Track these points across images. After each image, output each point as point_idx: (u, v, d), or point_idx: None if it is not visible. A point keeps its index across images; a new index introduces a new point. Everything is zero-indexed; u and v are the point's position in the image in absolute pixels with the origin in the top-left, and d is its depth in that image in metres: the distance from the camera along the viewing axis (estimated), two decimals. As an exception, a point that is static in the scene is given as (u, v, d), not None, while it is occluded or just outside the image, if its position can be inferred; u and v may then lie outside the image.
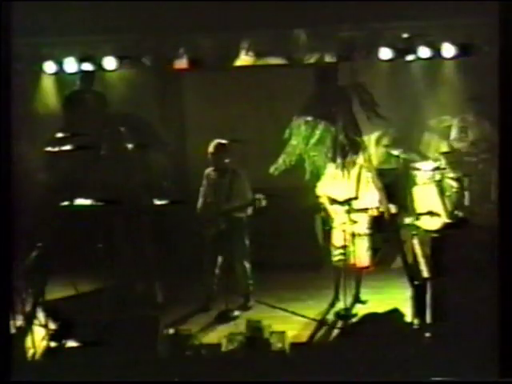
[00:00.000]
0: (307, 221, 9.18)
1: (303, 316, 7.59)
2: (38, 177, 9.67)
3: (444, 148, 9.62)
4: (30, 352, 6.53)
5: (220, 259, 8.12)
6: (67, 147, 7.73)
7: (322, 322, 7.47)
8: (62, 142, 7.84)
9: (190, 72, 9.66)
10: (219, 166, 8.06)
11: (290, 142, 8.80)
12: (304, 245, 9.14)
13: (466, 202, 9.03)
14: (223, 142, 8.06)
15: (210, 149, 8.05)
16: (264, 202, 7.75)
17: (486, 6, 7.12)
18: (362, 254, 7.83)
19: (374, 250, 8.20)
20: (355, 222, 7.66)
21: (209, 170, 8.19)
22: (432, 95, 9.74)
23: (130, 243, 8.46)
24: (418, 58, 9.19)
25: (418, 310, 6.86)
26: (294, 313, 7.68)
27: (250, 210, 8.02)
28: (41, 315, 6.99)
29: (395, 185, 9.02)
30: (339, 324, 7.18)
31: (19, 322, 6.68)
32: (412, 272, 7.34)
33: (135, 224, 8.41)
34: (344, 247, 7.73)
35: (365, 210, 7.77)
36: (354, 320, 7.19)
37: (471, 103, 9.54)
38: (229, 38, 9.26)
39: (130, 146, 8.33)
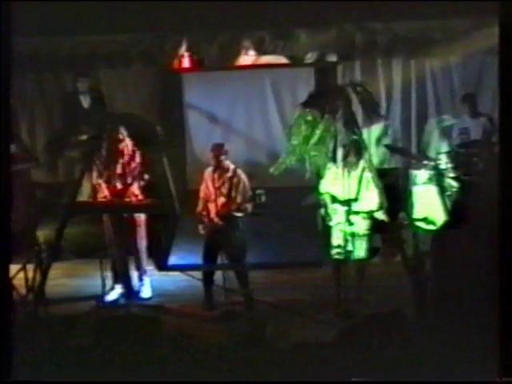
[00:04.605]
0: (307, 219, 9.18)
1: (303, 315, 7.59)
2: (38, 177, 9.68)
3: (444, 148, 9.62)
4: (30, 351, 6.53)
5: (220, 259, 8.14)
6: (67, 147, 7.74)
7: (322, 322, 7.47)
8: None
9: (191, 72, 9.66)
10: (219, 165, 8.12)
11: (290, 142, 8.78)
12: (304, 244, 9.13)
13: (466, 201, 9.02)
14: (222, 142, 8.14)
15: (210, 149, 8.13)
16: (264, 198, 7.78)
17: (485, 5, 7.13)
18: (361, 254, 7.83)
19: (374, 249, 8.20)
20: (355, 221, 7.67)
21: (209, 170, 8.23)
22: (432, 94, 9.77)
23: (131, 243, 8.46)
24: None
25: (419, 309, 6.86)
26: (294, 312, 7.68)
27: (250, 207, 8.07)
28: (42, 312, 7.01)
29: (395, 185, 9.02)
30: (339, 324, 7.17)
31: (19, 320, 6.68)
32: (412, 272, 7.34)
33: (135, 223, 8.40)
34: (344, 246, 7.74)
35: (365, 209, 7.78)
36: (354, 320, 7.19)
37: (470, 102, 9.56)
38: (229, 37, 9.27)
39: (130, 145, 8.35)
